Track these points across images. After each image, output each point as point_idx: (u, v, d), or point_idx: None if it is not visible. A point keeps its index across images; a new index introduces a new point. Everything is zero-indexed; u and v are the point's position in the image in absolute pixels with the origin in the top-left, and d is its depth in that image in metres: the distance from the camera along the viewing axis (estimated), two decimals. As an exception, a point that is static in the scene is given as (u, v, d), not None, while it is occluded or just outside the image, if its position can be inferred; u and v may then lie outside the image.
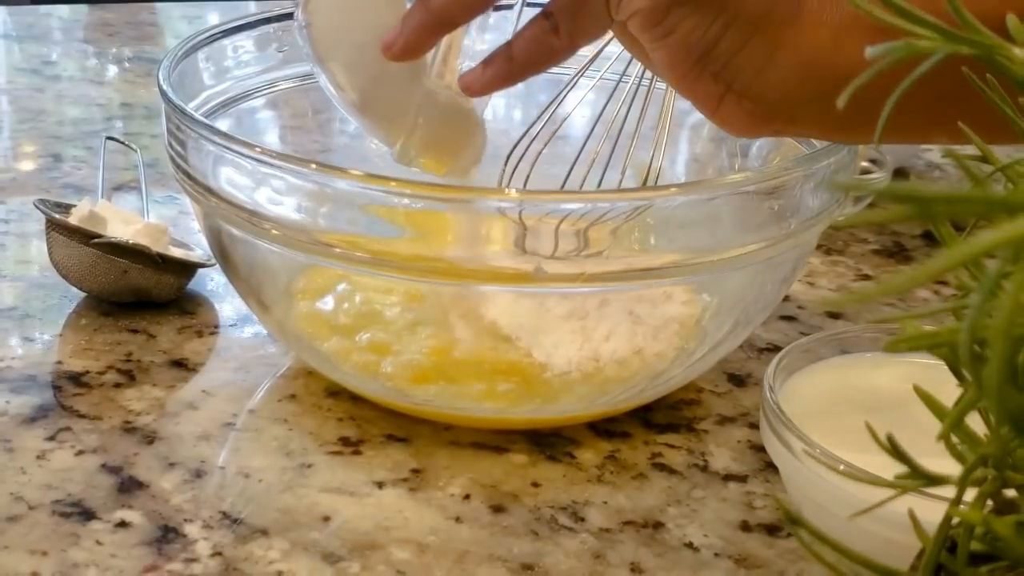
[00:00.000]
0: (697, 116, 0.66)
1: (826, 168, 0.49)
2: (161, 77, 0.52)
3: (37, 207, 0.61)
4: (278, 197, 0.48)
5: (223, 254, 0.52)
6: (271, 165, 0.47)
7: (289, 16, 0.63)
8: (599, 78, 0.66)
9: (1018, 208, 0.22)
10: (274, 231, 0.47)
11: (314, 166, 0.47)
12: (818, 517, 0.42)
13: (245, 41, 0.62)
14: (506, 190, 0.48)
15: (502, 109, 0.71)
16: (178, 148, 0.51)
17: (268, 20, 0.62)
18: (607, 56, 0.69)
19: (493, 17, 0.52)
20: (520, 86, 0.70)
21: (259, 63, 0.63)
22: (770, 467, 0.46)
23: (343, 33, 0.46)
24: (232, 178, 0.48)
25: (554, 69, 0.69)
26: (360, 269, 0.48)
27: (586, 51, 0.69)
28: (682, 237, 0.46)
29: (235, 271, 0.52)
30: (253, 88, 0.62)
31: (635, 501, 0.48)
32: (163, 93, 0.51)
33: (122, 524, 0.45)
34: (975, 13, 0.24)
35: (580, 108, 0.70)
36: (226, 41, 0.60)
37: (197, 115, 0.52)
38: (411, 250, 0.46)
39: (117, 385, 0.54)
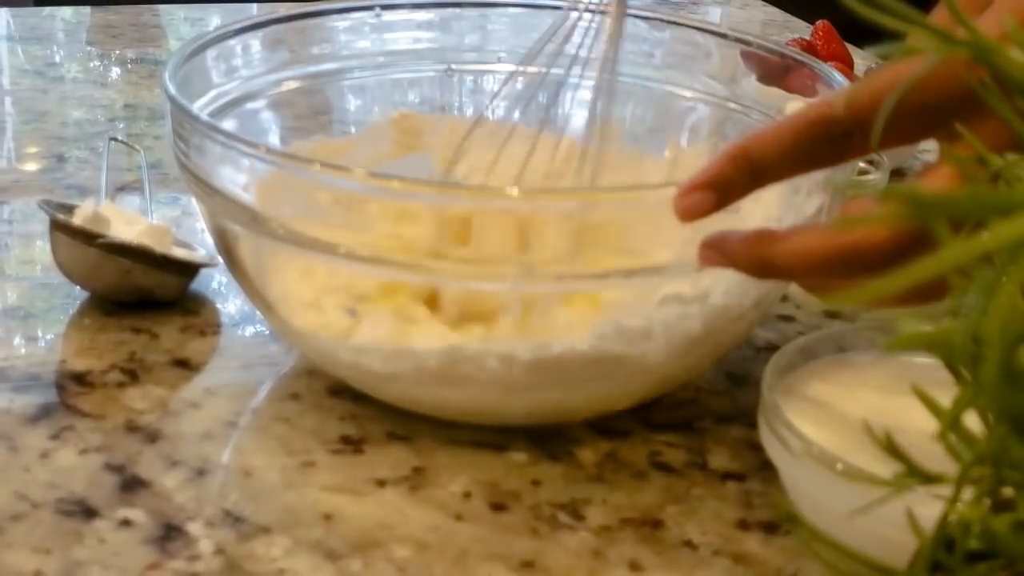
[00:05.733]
0: (696, 115, 0.67)
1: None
2: (167, 78, 0.52)
3: (41, 208, 0.61)
4: (282, 196, 0.48)
5: (228, 252, 0.53)
6: (275, 164, 0.48)
7: (293, 17, 0.64)
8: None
9: (1014, 209, 0.23)
10: (279, 230, 0.48)
11: (318, 166, 0.47)
12: (816, 516, 0.42)
13: (250, 42, 0.62)
14: (508, 189, 0.49)
15: (501, 110, 0.72)
16: (183, 147, 0.51)
17: (273, 22, 0.63)
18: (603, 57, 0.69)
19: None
20: (520, 85, 0.71)
21: (263, 64, 0.63)
22: (768, 466, 0.46)
23: None
24: (236, 178, 0.49)
25: (553, 68, 0.70)
26: (364, 267, 0.48)
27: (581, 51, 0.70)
28: (679, 235, 0.46)
29: (240, 270, 0.53)
30: (256, 90, 0.62)
31: (634, 499, 0.48)
32: (168, 93, 0.51)
33: (125, 522, 0.45)
34: None
35: (579, 108, 0.71)
36: (230, 42, 0.61)
37: (203, 115, 0.52)
38: (414, 248, 0.47)
39: (120, 384, 0.54)
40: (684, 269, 0.47)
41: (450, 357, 0.48)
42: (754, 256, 0.43)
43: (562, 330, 0.48)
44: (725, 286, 0.49)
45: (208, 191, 0.50)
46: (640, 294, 0.49)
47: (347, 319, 0.50)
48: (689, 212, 0.43)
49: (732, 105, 0.64)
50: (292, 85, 0.64)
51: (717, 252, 0.44)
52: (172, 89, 0.51)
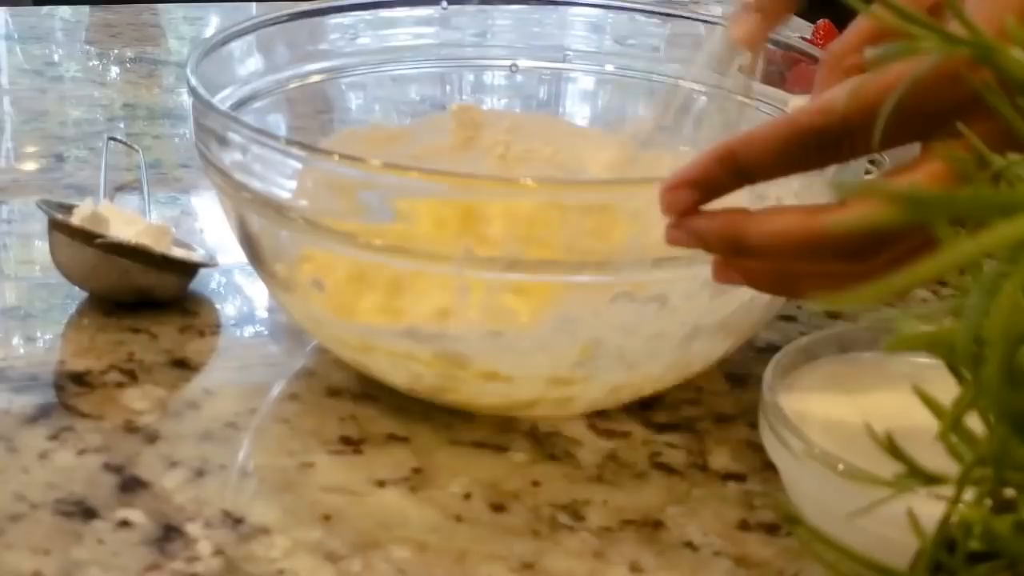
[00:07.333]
0: (697, 110, 0.67)
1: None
2: (189, 72, 0.53)
3: (39, 207, 0.61)
4: (305, 188, 0.48)
5: (250, 244, 0.53)
6: (296, 157, 0.48)
7: (295, 16, 0.64)
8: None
9: (1015, 209, 0.23)
10: (300, 221, 0.48)
11: (337, 157, 0.48)
12: (817, 516, 0.42)
13: (261, 40, 0.62)
14: (523, 180, 0.49)
15: (501, 107, 0.72)
16: (207, 142, 0.51)
17: (276, 21, 0.63)
18: (608, 51, 0.70)
19: None
20: (520, 80, 0.71)
21: (264, 63, 0.63)
22: (769, 466, 0.46)
23: None
24: (261, 172, 0.49)
25: (553, 64, 0.70)
26: (382, 257, 0.48)
27: (583, 46, 0.70)
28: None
29: (262, 262, 0.53)
30: (263, 88, 0.62)
31: (635, 500, 0.48)
32: (192, 89, 0.52)
33: (124, 523, 0.45)
34: None
35: (580, 103, 0.71)
36: (247, 39, 0.61)
37: (225, 109, 0.53)
38: (431, 238, 0.47)
39: (119, 385, 0.54)
40: (637, 267, 0.47)
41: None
42: (725, 235, 0.42)
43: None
44: (684, 289, 0.49)
45: (232, 185, 0.50)
46: (592, 290, 0.49)
47: (371, 309, 0.51)
48: (672, 207, 0.42)
49: (738, 99, 0.64)
50: (295, 84, 0.64)
51: (685, 231, 0.43)
52: (196, 84, 0.52)
